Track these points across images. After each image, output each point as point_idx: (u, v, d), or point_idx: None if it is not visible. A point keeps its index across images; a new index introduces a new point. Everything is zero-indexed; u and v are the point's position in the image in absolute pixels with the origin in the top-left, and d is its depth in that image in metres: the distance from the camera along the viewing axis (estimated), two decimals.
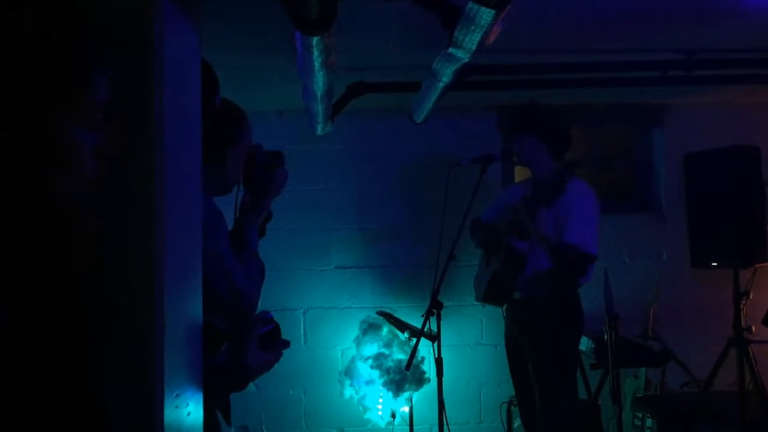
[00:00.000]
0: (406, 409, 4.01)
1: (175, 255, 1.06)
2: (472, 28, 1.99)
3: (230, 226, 1.86)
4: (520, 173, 4.47)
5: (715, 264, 4.07)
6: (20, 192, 0.83)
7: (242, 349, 1.51)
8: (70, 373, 0.88)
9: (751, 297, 3.93)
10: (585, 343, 3.66)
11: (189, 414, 1.16)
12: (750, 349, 3.84)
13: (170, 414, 1.05)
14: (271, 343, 1.56)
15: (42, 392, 0.84)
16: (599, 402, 3.83)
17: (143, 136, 0.99)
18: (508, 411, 4.02)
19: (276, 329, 1.58)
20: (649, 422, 3.75)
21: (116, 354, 0.95)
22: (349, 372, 4.06)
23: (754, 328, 3.91)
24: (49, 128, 0.85)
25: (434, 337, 3.32)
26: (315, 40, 2.11)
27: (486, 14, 1.86)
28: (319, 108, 3.27)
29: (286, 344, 1.59)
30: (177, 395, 1.09)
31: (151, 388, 0.98)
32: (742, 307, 3.92)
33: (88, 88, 0.88)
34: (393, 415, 4.01)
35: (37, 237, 0.86)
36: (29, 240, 0.85)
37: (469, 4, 1.89)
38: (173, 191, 1.06)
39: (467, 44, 2.12)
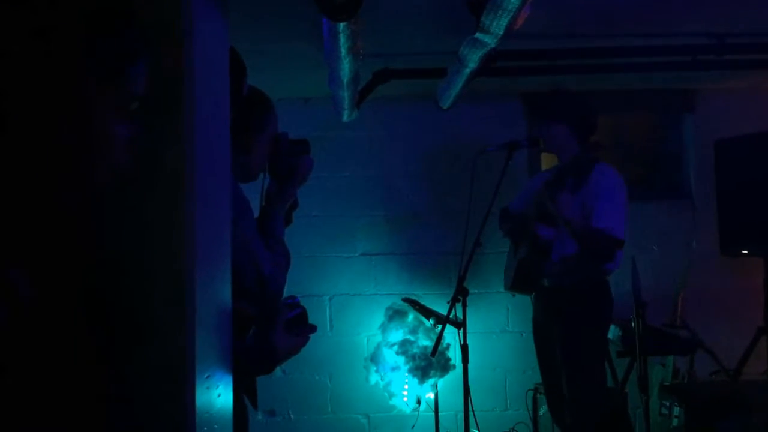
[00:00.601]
0: (432, 395, 4.02)
1: (205, 241, 1.08)
2: (500, 12, 1.97)
3: (257, 214, 1.87)
4: (546, 160, 4.44)
5: (746, 252, 4.01)
6: (56, 182, 0.84)
7: (270, 333, 1.53)
8: (106, 356, 0.90)
9: None
10: (612, 331, 3.64)
11: (219, 395, 1.18)
12: None
13: (201, 395, 1.08)
14: (298, 327, 1.58)
15: (78, 373, 0.86)
16: (626, 390, 3.80)
17: (175, 125, 1.01)
18: (534, 398, 4.01)
19: (303, 314, 1.59)
20: (676, 411, 3.72)
21: (150, 337, 0.97)
22: (374, 358, 4.08)
23: None
24: (85, 119, 0.86)
25: (460, 324, 3.32)
26: (342, 26, 2.11)
27: None
28: (345, 95, 3.27)
29: (313, 329, 1.61)
30: (207, 377, 1.11)
31: (183, 370, 1.00)
32: None
33: (125, 80, 0.89)
34: (418, 402, 4.03)
35: (73, 226, 0.87)
36: (65, 229, 0.86)
37: None
38: (203, 179, 1.08)
39: (494, 29, 2.10)
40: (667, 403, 3.79)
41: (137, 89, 0.89)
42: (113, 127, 0.87)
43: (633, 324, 3.22)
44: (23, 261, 0.78)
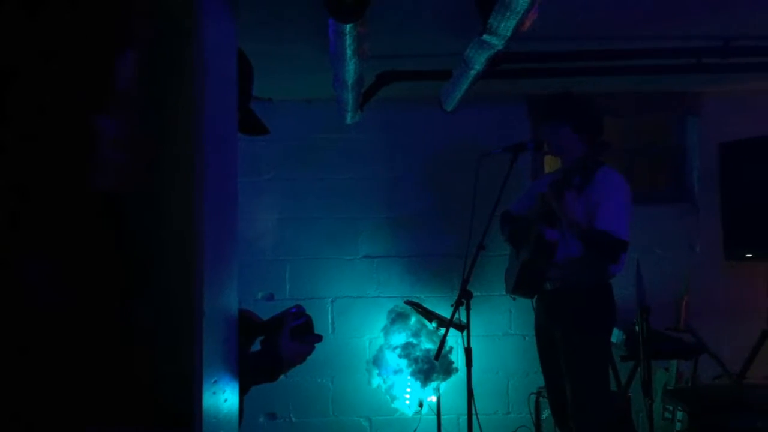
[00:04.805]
0: (434, 398, 4.00)
1: (214, 247, 1.06)
2: (508, 14, 1.96)
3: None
4: (550, 163, 4.42)
5: (750, 255, 4.00)
6: (53, 184, 0.83)
7: (275, 341, 1.52)
8: (114, 359, 0.88)
9: None
10: (616, 335, 3.62)
11: (226, 400, 1.17)
12: None
13: (208, 399, 1.06)
14: (304, 335, 1.57)
15: (86, 376, 0.84)
16: (629, 394, 3.79)
17: (184, 125, 0.99)
18: (537, 402, 4.00)
19: (308, 323, 1.58)
20: (680, 415, 3.71)
21: (158, 342, 0.96)
22: (377, 361, 4.06)
23: None
24: (75, 119, 0.84)
25: (463, 327, 3.31)
26: (348, 27, 2.10)
27: (522, 0, 1.83)
28: (349, 96, 3.26)
29: (319, 338, 1.59)
30: (215, 381, 1.10)
31: (191, 375, 0.99)
32: None
33: (114, 76, 0.86)
34: (420, 405, 4.01)
35: (75, 229, 0.86)
36: (68, 233, 0.85)
37: None
38: (212, 182, 1.06)
39: (502, 31, 2.09)
40: (671, 408, 3.78)
41: (123, 83, 0.87)
42: (97, 122, 0.85)
43: (637, 328, 3.20)
44: (39, 261, 0.77)
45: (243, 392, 1.56)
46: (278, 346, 1.53)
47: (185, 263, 0.97)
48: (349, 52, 2.40)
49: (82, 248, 0.84)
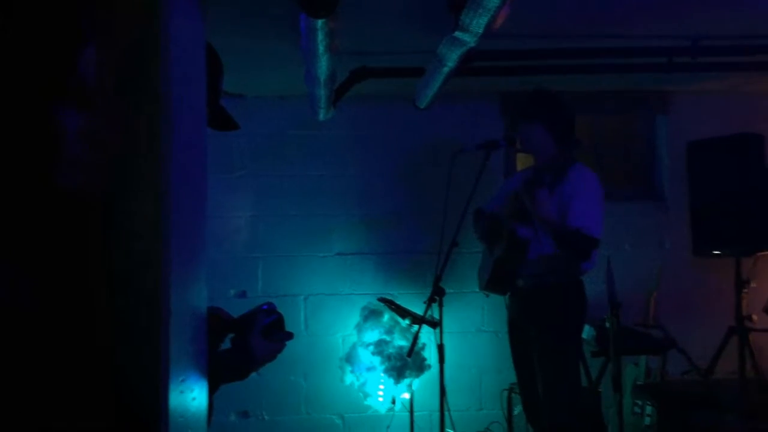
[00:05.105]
0: (407, 395, 4.01)
1: (181, 243, 1.05)
2: (480, 11, 1.96)
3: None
4: (522, 161, 4.45)
5: (717, 252, 4.07)
6: (14, 182, 0.81)
7: (246, 338, 1.51)
8: (78, 357, 0.87)
9: (752, 285, 3.94)
10: (587, 331, 3.66)
11: (194, 399, 1.16)
12: (751, 338, 3.85)
13: (175, 398, 1.05)
14: (275, 333, 1.55)
15: (50, 375, 0.83)
16: (600, 390, 3.83)
17: (150, 120, 0.97)
18: (509, 398, 4.02)
19: (279, 320, 1.57)
20: (648, 409, 3.76)
21: (123, 340, 0.94)
22: (350, 358, 4.06)
23: (755, 317, 3.92)
24: (36, 113, 0.82)
25: (436, 324, 3.31)
26: (320, 22, 2.08)
27: None
28: (322, 93, 3.24)
29: (290, 336, 1.58)
30: (182, 380, 1.08)
31: (158, 373, 0.97)
32: (743, 295, 3.92)
33: (76, 68, 0.84)
34: (393, 402, 4.02)
35: (37, 227, 0.84)
36: (31, 231, 0.83)
37: None
38: (179, 177, 1.05)
39: (474, 28, 2.09)
40: (640, 402, 3.83)
41: (87, 77, 0.85)
42: (59, 116, 0.83)
43: (607, 324, 3.24)
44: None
45: (213, 391, 1.54)
46: (249, 343, 1.51)
47: (151, 260, 0.95)
48: (321, 47, 2.39)
49: (44, 246, 0.82)
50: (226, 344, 1.60)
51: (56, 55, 0.81)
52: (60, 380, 0.84)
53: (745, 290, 3.92)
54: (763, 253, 3.93)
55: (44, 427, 0.83)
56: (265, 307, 1.57)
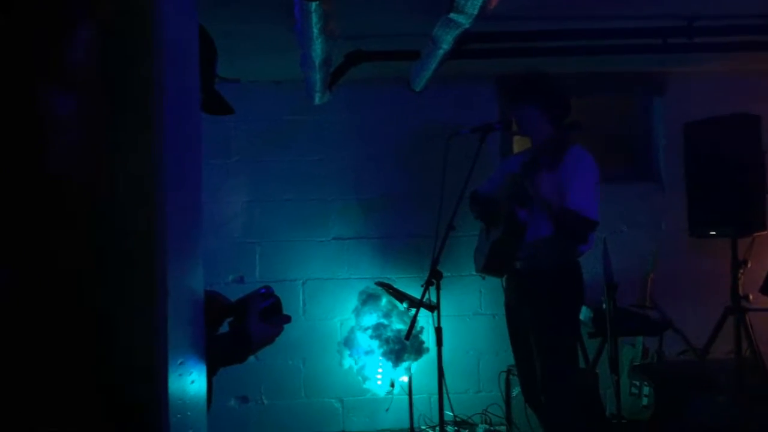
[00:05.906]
0: (405, 378, 4.03)
1: (177, 226, 1.05)
2: None
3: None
4: (519, 143, 4.45)
5: (714, 233, 4.07)
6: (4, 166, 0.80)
7: (244, 322, 1.51)
8: (76, 344, 0.87)
9: (749, 266, 3.94)
10: (584, 313, 3.67)
11: (193, 382, 1.16)
12: (747, 318, 3.86)
13: (174, 381, 1.05)
14: (273, 317, 1.56)
15: (48, 362, 0.83)
16: (597, 371, 3.86)
17: (142, 103, 0.97)
18: (507, 380, 4.05)
19: (277, 303, 1.57)
20: (646, 390, 3.79)
21: (121, 324, 0.95)
22: (348, 342, 4.07)
23: (751, 297, 3.93)
24: (23, 95, 0.80)
25: (433, 307, 3.32)
26: (314, 5, 2.07)
27: None
28: (317, 77, 3.23)
29: (287, 319, 1.58)
30: (181, 363, 1.09)
31: (156, 356, 0.98)
32: (739, 275, 3.93)
33: (65, 48, 0.82)
34: (392, 385, 4.04)
35: (30, 212, 0.83)
36: (15, 216, 0.82)
37: None
38: (174, 162, 1.04)
39: (468, 9, 2.09)
40: (637, 383, 3.86)
41: (74, 59, 0.83)
42: (47, 99, 0.82)
43: (604, 306, 3.25)
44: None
45: (211, 374, 1.55)
46: (247, 327, 1.52)
47: (147, 242, 0.95)
48: (315, 30, 2.37)
49: (32, 231, 0.81)
50: (224, 328, 1.61)
51: (42, 36, 0.80)
52: (54, 364, 0.84)
53: (742, 270, 3.93)
54: (759, 233, 3.94)
55: (40, 409, 0.83)
56: (262, 290, 1.57)
